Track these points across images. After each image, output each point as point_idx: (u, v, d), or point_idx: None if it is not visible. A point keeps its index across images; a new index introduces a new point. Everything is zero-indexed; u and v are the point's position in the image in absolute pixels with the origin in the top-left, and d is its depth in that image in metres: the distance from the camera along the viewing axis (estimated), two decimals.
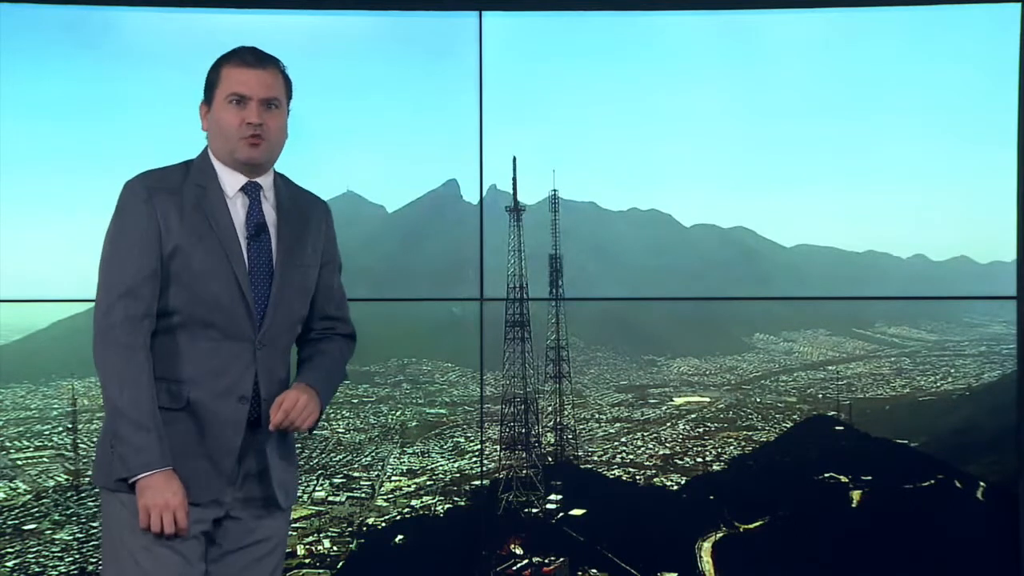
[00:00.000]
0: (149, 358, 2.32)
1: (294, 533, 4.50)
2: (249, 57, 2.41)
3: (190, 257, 2.33)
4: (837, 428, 4.66)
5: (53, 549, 4.44)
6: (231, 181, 2.41)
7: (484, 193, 4.54)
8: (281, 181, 2.50)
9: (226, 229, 2.37)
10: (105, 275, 2.36)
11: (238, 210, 2.41)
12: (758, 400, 4.77)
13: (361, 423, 4.69)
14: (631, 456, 4.71)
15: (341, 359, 2.58)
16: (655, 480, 4.69)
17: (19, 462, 4.54)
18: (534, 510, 4.59)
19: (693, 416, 4.77)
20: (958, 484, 4.57)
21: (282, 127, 2.43)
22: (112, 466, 2.33)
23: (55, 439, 4.57)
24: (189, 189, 2.38)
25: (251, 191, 2.43)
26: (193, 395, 2.35)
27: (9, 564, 4.38)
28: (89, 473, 4.43)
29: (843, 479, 4.58)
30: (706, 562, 4.54)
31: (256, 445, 2.41)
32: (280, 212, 2.45)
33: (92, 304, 2.38)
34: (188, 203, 2.36)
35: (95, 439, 3.03)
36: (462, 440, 4.67)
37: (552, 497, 4.60)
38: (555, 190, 4.59)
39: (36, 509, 4.49)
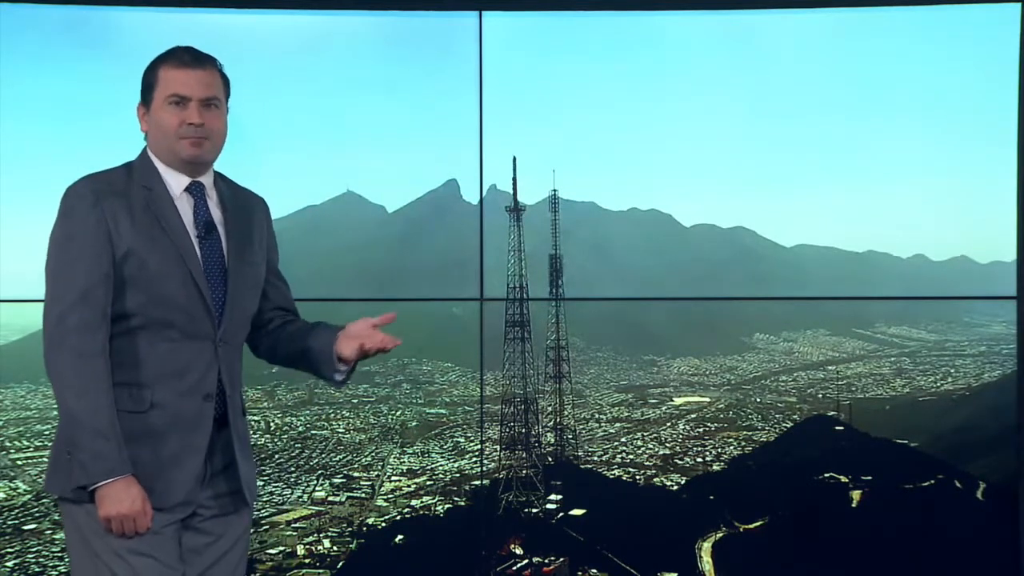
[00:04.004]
0: (107, 364, 2.29)
1: (294, 533, 4.50)
2: (186, 57, 2.40)
3: (145, 260, 2.31)
4: (837, 428, 4.66)
5: (53, 549, 4.44)
6: (175, 182, 2.41)
7: (484, 193, 4.54)
8: (220, 179, 2.50)
9: (177, 229, 2.36)
10: (55, 281, 2.32)
11: (186, 209, 2.40)
12: (758, 400, 4.77)
13: (361, 423, 4.68)
14: (631, 456, 4.71)
15: None
16: (655, 480, 4.68)
17: (19, 462, 4.54)
18: (534, 510, 4.59)
19: (693, 416, 4.77)
20: (958, 484, 4.57)
21: (222, 126, 2.43)
22: (71, 474, 2.29)
23: None
24: (136, 191, 2.36)
25: (196, 191, 2.42)
26: (156, 397, 2.33)
27: (9, 564, 4.38)
28: None
29: (843, 479, 4.58)
30: (706, 562, 4.53)
31: (221, 442, 2.41)
32: (225, 210, 2.45)
33: None
34: (137, 205, 2.34)
35: None
36: (462, 440, 4.67)
37: (552, 497, 4.60)
38: (555, 190, 4.59)
39: (36, 509, 4.49)
